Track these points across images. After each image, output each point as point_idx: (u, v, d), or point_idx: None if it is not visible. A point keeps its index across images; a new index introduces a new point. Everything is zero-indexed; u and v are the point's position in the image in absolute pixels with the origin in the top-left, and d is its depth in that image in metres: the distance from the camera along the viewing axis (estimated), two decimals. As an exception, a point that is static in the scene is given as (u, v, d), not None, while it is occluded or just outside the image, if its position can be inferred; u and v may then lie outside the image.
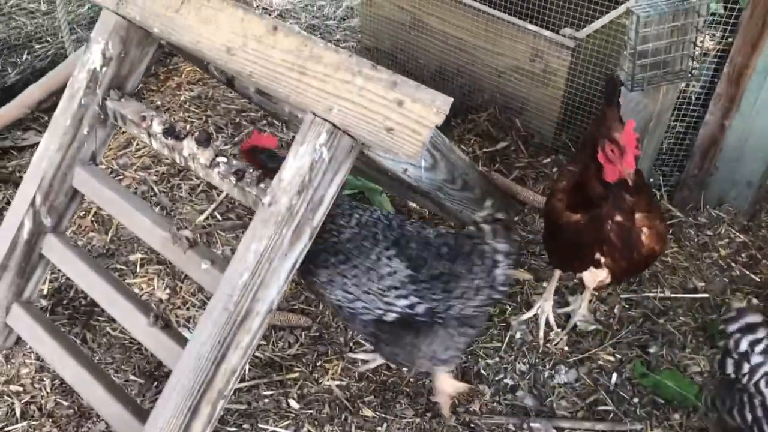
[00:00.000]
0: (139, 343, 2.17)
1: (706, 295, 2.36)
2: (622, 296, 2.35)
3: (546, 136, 2.96)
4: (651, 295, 2.35)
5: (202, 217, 2.66)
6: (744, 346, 1.57)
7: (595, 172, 1.87)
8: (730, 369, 1.59)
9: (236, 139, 3.02)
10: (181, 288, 2.43)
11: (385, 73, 1.56)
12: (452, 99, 1.52)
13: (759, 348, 1.56)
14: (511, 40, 2.90)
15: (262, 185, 1.75)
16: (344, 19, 4.11)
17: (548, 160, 2.90)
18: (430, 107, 1.52)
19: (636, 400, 2.05)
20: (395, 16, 3.29)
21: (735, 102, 2.37)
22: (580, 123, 2.86)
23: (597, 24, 2.76)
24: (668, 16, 2.11)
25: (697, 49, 2.19)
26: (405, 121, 1.53)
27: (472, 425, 1.99)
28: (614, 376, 2.11)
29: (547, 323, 2.24)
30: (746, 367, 1.57)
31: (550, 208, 2.07)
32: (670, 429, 1.97)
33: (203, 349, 1.68)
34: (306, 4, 4.28)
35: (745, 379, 1.57)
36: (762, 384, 1.56)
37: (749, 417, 1.57)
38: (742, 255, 2.50)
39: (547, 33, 2.78)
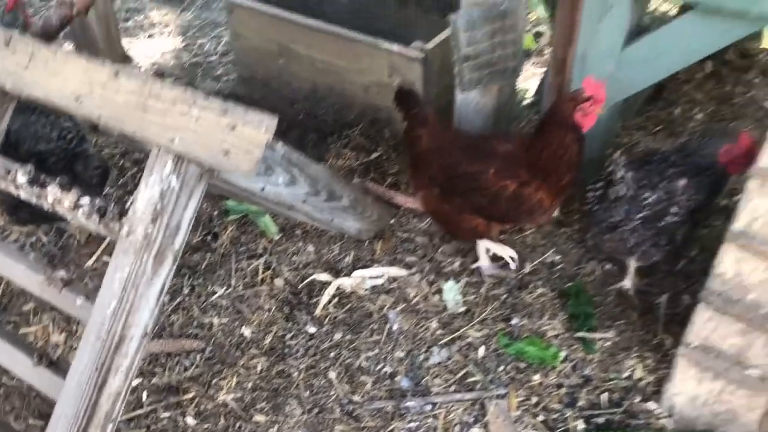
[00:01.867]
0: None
1: (562, 265, 2.62)
2: (487, 275, 2.57)
3: (413, 142, 3.18)
4: (513, 274, 2.59)
5: (91, 261, 2.76)
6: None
7: None
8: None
9: (120, 181, 3.13)
10: (76, 329, 2.52)
11: (216, 102, 1.73)
12: (276, 118, 1.70)
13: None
14: (370, 58, 3.12)
15: (123, 219, 1.88)
16: (225, 54, 4.27)
17: (418, 163, 3.12)
18: (259, 128, 1.69)
19: (501, 368, 2.27)
20: (264, 47, 3.47)
21: (563, 89, 2.64)
22: (442, 126, 3.10)
23: (442, 35, 3.01)
24: (488, 21, 2.36)
25: (520, 48, 2.45)
26: (239, 143, 1.70)
27: (354, 414, 2.16)
28: (482, 349, 2.33)
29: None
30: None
31: None
32: (531, 389, 2.19)
33: (83, 377, 1.79)
34: (187, 44, 4.42)
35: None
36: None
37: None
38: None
39: (396, 48, 3.02)
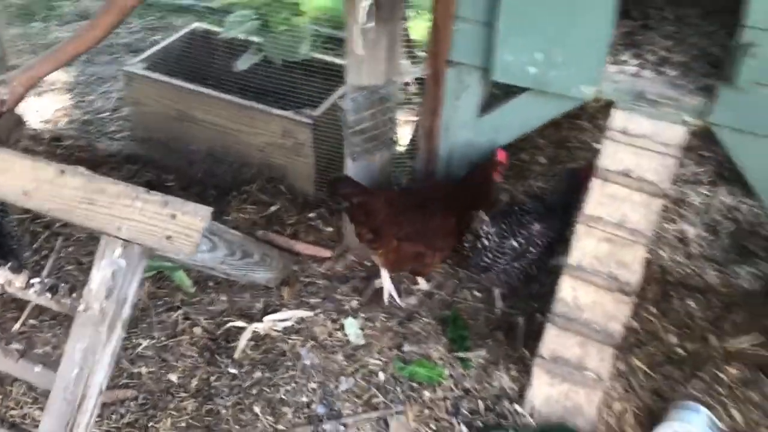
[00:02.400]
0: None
1: (443, 294, 3.16)
2: (381, 313, 3.06)
3: (308, 195, 3.63)
4: (402, 305, 3.10)
5: (17, 325, 2.97)
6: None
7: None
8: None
9: (34, 245, 3.34)
10: (11, 391, 2.73)
11: (158, 195, 2.10)
12: (211, 209, 2.08)
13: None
14: (265, 122, 3.53)
15: (74, 295, 2.19)
16: (116, 110, 4.49)
17: (313, 214, 3.56)
18: (195, 216, 2.08)
19: (398, 388, 2.75)
20: (162, 111, 3.78)
21: (433, 154, 3.19)
22: (332, 180, 3.56)
23: (325, 104, 3.49)
24: (371, 103, 2.85)
25: (396, 122, 2.97)
26: (179, 230, 2.07)
27: (279, 439, 2.58)
28: (381, 374, 2.80)
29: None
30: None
31: None
32: (423, 403, 2.69)
33: (51, 436, 2.08)
34: (77, 101, 4.60)
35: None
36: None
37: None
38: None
39: (289, 114, 3.45)
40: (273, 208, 3.58)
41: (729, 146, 2.72)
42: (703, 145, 4.14)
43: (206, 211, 2.08)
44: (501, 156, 2.95)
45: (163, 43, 4.01)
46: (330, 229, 3.49)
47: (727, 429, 2.65)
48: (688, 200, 3.80)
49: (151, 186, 3.68)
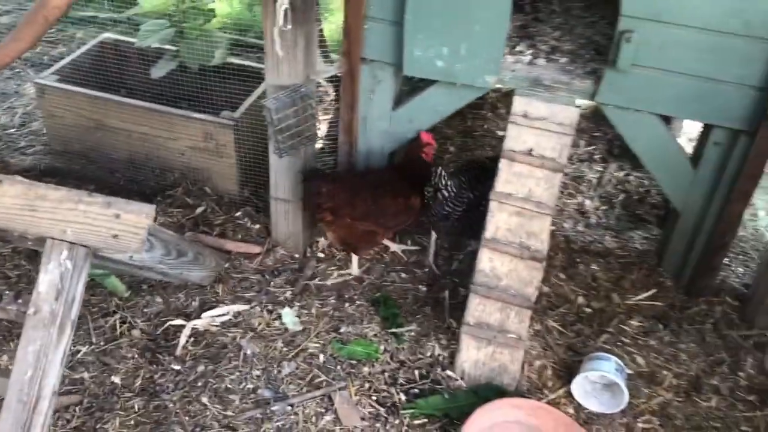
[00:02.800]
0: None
1: (372, 278, 3.36)
2: (315, 300, 3.22)
3: (233, 195, 3.73)
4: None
5: (-52, 343, 2.94)
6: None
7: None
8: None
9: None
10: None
11: (100, 197, 2.19)
12: (155, 206, 2.19)
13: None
14: (185, 127, 3.61)
15: (19, 301, 2.24)
16: (24, 125, 4.41)
17: (239, 213, 3.67)
18: (140, 214, 2.18)
19: (339, 367, 2.93)
20: (79, 122, 3.78)
21: (353, 146, 3.39)
22: (256, 179, 3.69)
23: (245, 106, 3.61)
24: (293, 101, 3.01)
25: (317, 118, 3.14)
26: (125, 228, 2.17)
27: (231, 425, 2.69)
28: (321, 356, 2.97)
29: None
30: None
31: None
32: (363, 378, 2.88)
33: (9, 438, 2.13)
34: (-20, 120, 4.48)
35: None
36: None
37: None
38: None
39: (210, 117, 3.55)
40: (199, 210, 3.66)
41: (615, 122, 3.06)
42: (594, 126, 4.56)
43: (150, 208, 2.19)
44: (426, 137, 3.24)
45: (72, 55, 4.00)
46: (257, 226, 3.61)
47: (633, 372, 2.99)
48: (584, 177, 4.18)
49: (74, 196, 3.72)
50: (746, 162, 2.90)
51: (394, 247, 3.50)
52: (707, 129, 3.05)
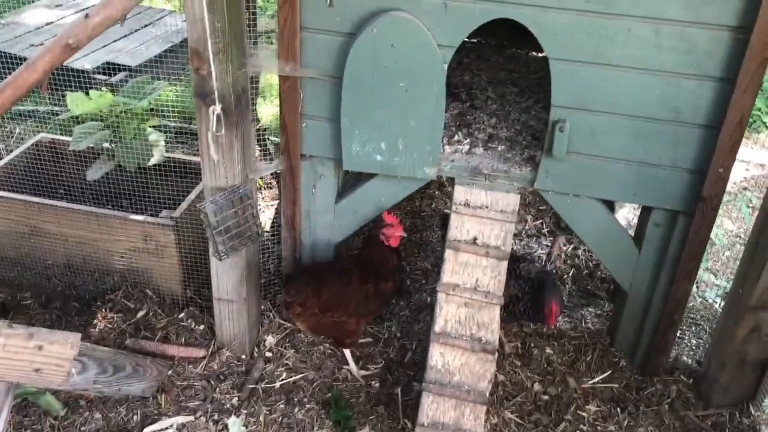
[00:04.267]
0: None
1: (323, 376, 3.25)
2: (263, 406, 3.09)
3: (176, 296, 3.61)
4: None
5: None
6: None
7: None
8: None
9: None
10: None
11: (22, 328, 2.07)
12: (80, 334, 2.08)
13: None
14: (124, 229, 3.51)
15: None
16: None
17: (183, 314, 3.54)
18: (65, 344, 2.06)
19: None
20: (11, 228, 3.64)
21: (297, 240, 3.33)
22: (199, 278, 3.58)
23: (185, 204, 3.53)
24: (232, 202, 2.95)
25: (258, 216, 3.08)
26: (48, 361, 2.04)
27: None
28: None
29: None
30: None
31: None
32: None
33: None
34: None
35: None
36: None
37: None
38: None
39: (149, 219, 3.46)
40: (140, 314, 3.53)
41: (556, 207, 3.07)
42: (540, 201, 4.59)
43: (75, 338, 2.08)
44: (389, 219, 3.19)
45: (7, 158, 3.89)
46: (202, 327, 3.48)
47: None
48: (533, 253, 4.18)
49: (6, 308, 3.56)
50: (687, 242, 2.92)
51: (353, 368, 3.32)
52: (647, 210, 3.07)
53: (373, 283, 3.17)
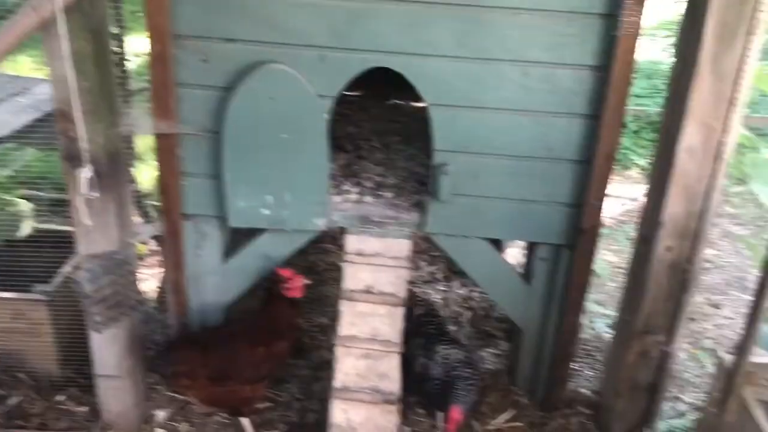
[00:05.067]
0: None
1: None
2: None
3: (53, 377, 3.32)
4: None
5: None
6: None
7: None
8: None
9: None
10: None
11: None
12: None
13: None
14: (-10, 307, 3.22)
15: None
16: None
17: (62, 397, 3.26)
18: None
19: None
20: None
21: (184, 305, 3.17)
22: (79, 355, 3.32)
23: (60, 276, 3.29)
24: (109, 269, 2.76)
25: (139, 283, 2.91)
26: None
27: None
28: None
29: None
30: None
31: None
32: None
33: None
34: None
35: None
36: None
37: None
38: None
39: (19, 295, 3.19)
40: (13, 401, 3.21)
41: (446, 249, 3.10)
42: (433, 246, 4.64)
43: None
44: (284, 273, 3.02)
45: None
46: (84, 408, 3.21)
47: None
48: (429, 299, 4.19)
49: None
50: (572, 274, 3.01)
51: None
52: (533, 246, 3.16)
53: (265, 344, 2.99)
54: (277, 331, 3.04)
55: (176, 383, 3.01)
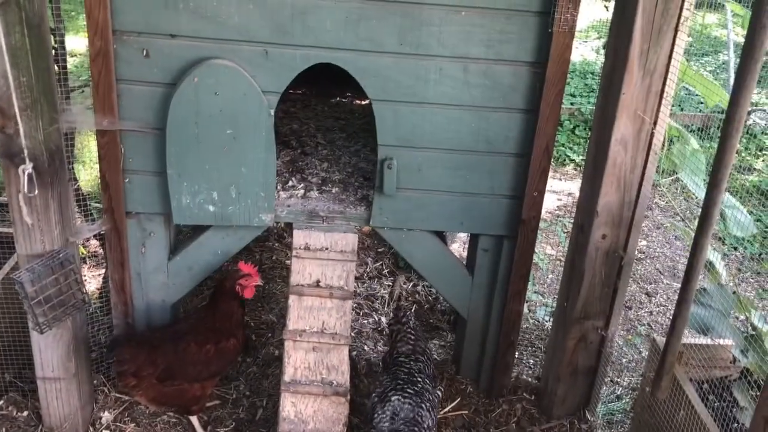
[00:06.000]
0: None
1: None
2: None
3: (-9, 382, 3.23)
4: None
5: None
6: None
7: None
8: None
9: None
10: None
11: None
12: None
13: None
14: None
15: None
16: None
17: (1, 402, 3.16)
18: None
19: None
20: None
21: (128, 305, 3.13)
22: (18, 359, 3.23)
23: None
24: (51, 269, 2.71)
25: (83, 282, 2.86)
26: None
27: None
28: None
29: None
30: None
31: None
32: None
33: None
34: None
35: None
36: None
37: None
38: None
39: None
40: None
41: (392, 242, 3.16)
42: (378, 243, 4.70)
43: None
44: (246, 268, 3.05)
45: None
46: (25, 413, 3.13)
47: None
48: (376, 294, 4.24)
49: None
50: (513, 263, 3.12)
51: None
52: (475, 237, 3.25)
53: (213, 343, 3.00)
54: (226, 329, 3.04)
55: (123, 383, 2.97)
